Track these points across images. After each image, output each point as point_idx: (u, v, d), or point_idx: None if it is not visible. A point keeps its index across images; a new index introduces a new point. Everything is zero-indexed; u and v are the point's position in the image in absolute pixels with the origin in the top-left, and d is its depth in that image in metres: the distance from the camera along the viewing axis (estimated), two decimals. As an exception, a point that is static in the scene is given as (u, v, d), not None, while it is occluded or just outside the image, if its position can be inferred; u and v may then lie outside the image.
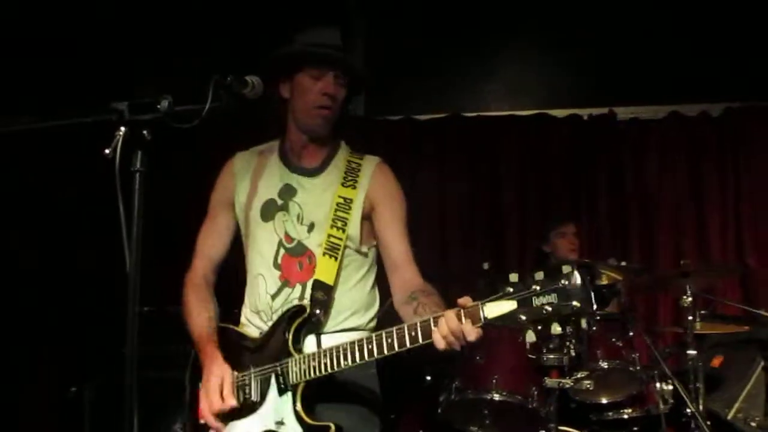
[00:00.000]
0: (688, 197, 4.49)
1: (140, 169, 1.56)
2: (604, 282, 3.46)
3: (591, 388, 3.15)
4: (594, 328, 3.30)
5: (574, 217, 4.34)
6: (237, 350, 2.21)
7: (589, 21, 4.51)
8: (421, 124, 4.77)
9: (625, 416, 3.45)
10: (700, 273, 3.69)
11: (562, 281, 1.63)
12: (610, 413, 3.48)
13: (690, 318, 3.34)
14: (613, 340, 3.34)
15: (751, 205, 4.42)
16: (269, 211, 2.27)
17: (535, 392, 3.13)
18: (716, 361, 3.77)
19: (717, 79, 4.45)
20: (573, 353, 3.25)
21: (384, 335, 1.88)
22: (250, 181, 2.32)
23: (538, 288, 1.65)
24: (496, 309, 1.69)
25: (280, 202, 2.26)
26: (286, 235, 2.24)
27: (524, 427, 3.21)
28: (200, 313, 2.28)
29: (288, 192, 2.26)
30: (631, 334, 3.39)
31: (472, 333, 1.72)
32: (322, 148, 2.31)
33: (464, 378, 3.21)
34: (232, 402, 2.11)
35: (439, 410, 3.31)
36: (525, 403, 3.09)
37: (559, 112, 4.65)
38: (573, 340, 3.29)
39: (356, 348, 1.94)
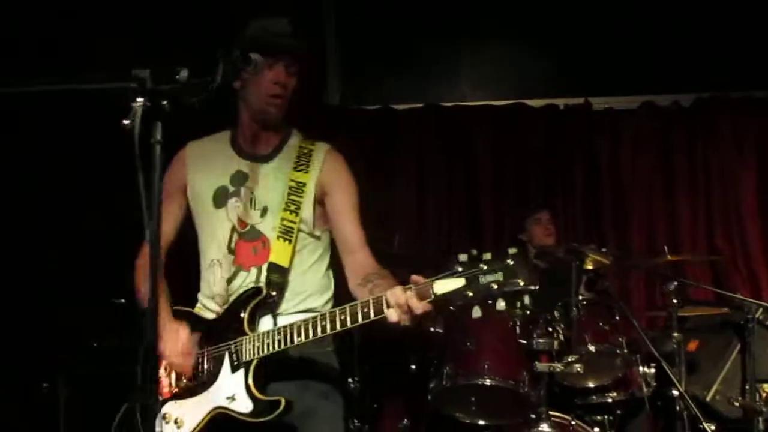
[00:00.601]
0: (661, 184, 4.57)
1: (159, 141, 1.50)
2: (590, 267, 3.51)
3: (581, 372, 3.19)
4: (582, 313, 3.35)
5: (550, 205, 4.39)
6: (190, 330, 2.22)
7: (565, 12, 4.56)
8: (397, 113, 4.75)
9: (610, 400, 3.52)
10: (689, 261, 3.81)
11: (508, 260, 1.75)
12: (595, 397, 3.54)
13: (675, 301, 3.42)
14: (601, 324, 3.40)
15: (720, 191, 4.52)
16: (221, 198, 2.28)
17: (526, 377, 3.16)
18: (692, 345, 3.86)
19: (688, 70, 4.55)
20: (562, 338, 3.29)
21: (337, 312, 1.95)
22: (201, 168, 2.33)
23: (485, 267, 1.75)
24: (445, 286, 1.78)
25: (232, 188, 2.28)
26: (239, 220, 2.26)
27: (515, 411, 3.23)
28: None
29: (240, 178, 2.28)
30: (617, 318, 3.46)
31: (419, 307, 1.79)
32: (275, 135, 2.33)
33: (455, 364, 3.21)
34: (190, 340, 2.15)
35: (429, 397, 3.31)
36: (516, 388, 3.11)
37: (536, 102, 4.68)
38: (562, 325, 3.34)
39: (309, 324, 1.99)
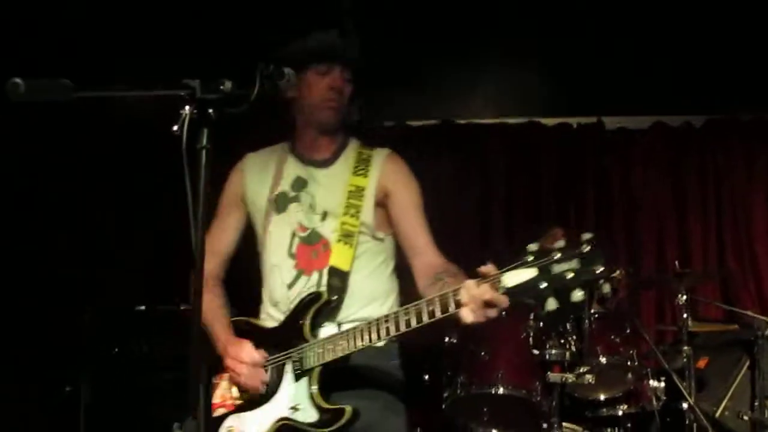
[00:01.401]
0: (672, 204, 4.64)
1: (206, 146, 1.60)
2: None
3: (592, 383, 3.26)
4: (594, 326, 3.42)
5: (562, 222, 4.47)
6: (250, 341, 2.23)
7: (578, 33, 4.65)
8: (414, 129, 4.85)
9: (620, 413, 3.55)
10: (699, 276, 3.88)
11: (584, 246, 1.61)
12: (605, 409, 3.59)
13: (684, 316, 3.49)
14: (612, 336, 3.46)
15: (731, 212, 4.59)
16: (282, 203, 2.33)
17: (539, 387, 3.22)
18: (702, 363, 3.92)
19: (699, 92, 4.62)
20: (574, 349, 3.35)
21: (401, 312, 1.91)
22: (260, 177, 2.39)
23: (559, 255, 1.62)
24: (516, 278, 1.67)
25: (292, 194, 2.33)
26: (300, 225, 2.30)
27: (527, 421, 3.28)
28: (211, 303, 2.30)
29: (300, 184, 2.34)
30: (628, 331, 3.52)
31: (488, 294, 1.69)
32: (333, 142, 2.39)
33: (469, 374, 3.27)
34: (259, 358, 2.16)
35: (443, 406, 3.37)
36: (529, 397, 3.17)
37: (549, 121, 4.78)
38: (574, 337, 3.40)
39: (373, 327, 1.96)
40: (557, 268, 1.63)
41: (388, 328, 1.93)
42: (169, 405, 3.72)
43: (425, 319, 1.84)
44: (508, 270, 1.70)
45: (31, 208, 4.15)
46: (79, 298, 4.00)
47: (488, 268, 1.74)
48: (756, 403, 3.67)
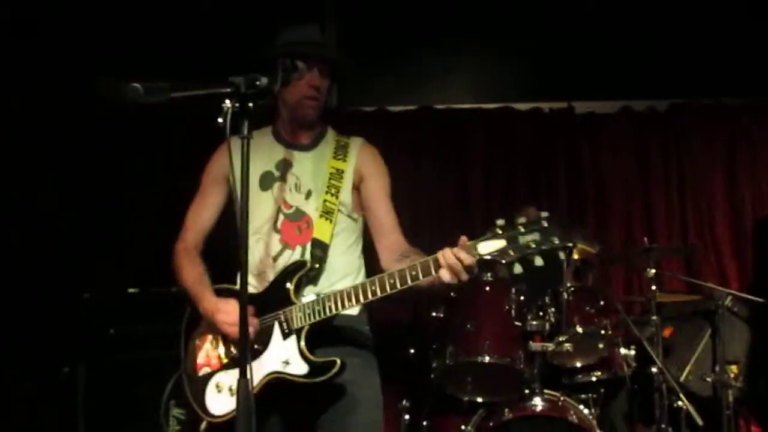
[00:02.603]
0: (638, 184, 4.86)
1: (247, 136, 1.78)
2: (577, 257, 3.83)
3: (570, 351, 3.50)
4: (570, 298, 3.66)
5: (535, 201, 4.69)
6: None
7: (550, 23, 4.87)
8: (393, 115, 5.00)
9: (594, 379, 3.77)
10: (668, 250, 4.16)
11: (543, 222, 2.00)
12: (581, 376, 3.81)
13: (653, 288, 3.75)
14: (587, 308, 3.70)
15: (692, 190, 4.83)
16: (267, 182, 2.52)
17: (521, 355, 3.46)
18: (667, 332, 4.20)
19: (663, 78, 4.86)
20: (553, 320, 3.60)
21: (386, 276, 2.16)
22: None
23: (523, 229, 2.00)
24: (488, 246, 2.03)
25: (277, 173, 2.52)
26: (285, 202, 2.49)
27: (511, 388, 3.52)
28: (194, 268, 2.51)
29: (285, 165, 2.53)
30: (601, 303, 3.77)
31: (468, 259, 2.02)
32: (313, 130, 2.60)
33: (457, 345, 3.50)
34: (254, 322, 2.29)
35: (432, 376, 3.59)
36: (513, 365, 3.41)
37: (523, 106, 4.96)
38: (552, 309, 3.64)
39: (359, 289, 2.20)
40: (522, 239, 2.01)
41: (374, 290, 2.17)
42: (164, 383, 3.88)
43: (409, 281, 2.12)
44: (481, 240, 2.06)
45: (30, 193, 4.23)
46: (75, 282, 4.11)
47: (464, 239, 2.08)
48: (717, 367, 3.98)
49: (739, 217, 4.78)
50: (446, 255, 2.06)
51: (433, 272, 2.09)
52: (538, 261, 2.02)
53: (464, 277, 2.07)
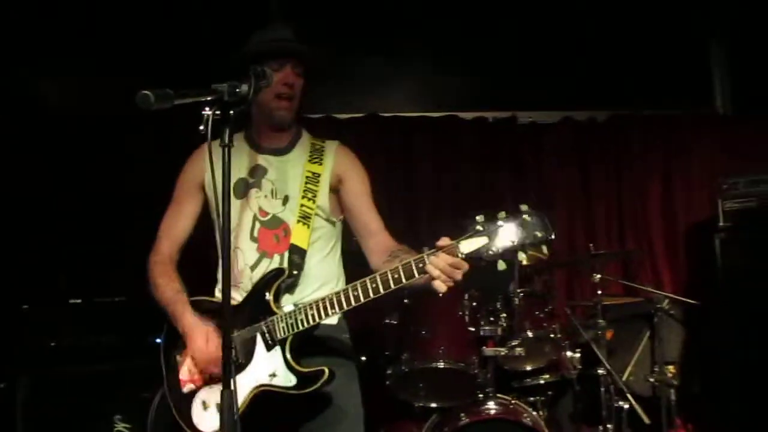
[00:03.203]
0: (579, 192, 5.04)
1: (228, 144, 1.76)
2: (529, 262, 3.91)
3: (522, 355, 3.59)
4: (521, 303, 3.74)
5: (480, 210, 4.78)
6: (215, 318, 2.33)
7: (495, 35, 4.99)
8: (340, 122, 5.01)
9: (542, 381, 3.89)
10: (613, 256, 4.31)
11: (524, 216, 1.97)
12: (529, 380, 3.91)
13: (599, 293, 3.88)
14: (537, 313, 3.79)
15: (630, 198, 5.04)
16: (241, 189, 2.44)
17: (475, 360, 3.52)
18: (608, 334, 4.34)
19: (603, 90, 5.07)
20: (505, 325, 3.67)
21: (368, 281, 2.08)
22: (218, 165, 2.43)
23: (503, 224, 1.97)
24: (470, 245, 1.97)
25: (251, 180, 2.44)
26: (261, 209, 2.42)
27: (465, 392, 3.56)
28: (168, 284, 2.42)
29: (259, 171, 2.45)
30: (550, 307, 3.88)
31: (452, 261, 1.96)
32: (288, 133, 2.52)
33: (412, 351, 3.53)
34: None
35: (387, 383, 3.60)
36: (468, 370, 3.45)
37: (467, 115, 5.06)
38: (504, 314, 3.71)
39: (342, 295, 2.12)
40: (504, 235, 1.96)
41: (356, 296, 2.10)
42: (108, 397, 3.76)
43: (392, 285, 2.04)
44: (463, 239, 1.99)
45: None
46: (14, 293, 3.94)
47: (445, 240, 2.01)
48: (656, 368, 4.14)
49: (673, 224, 5.00)
50: (432, 260, 1.99)
51: (416, 274, 2.01)
52: (501, 265, 1.98)
53: (457, 278, 2.01)
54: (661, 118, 5.13)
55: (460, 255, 1.97)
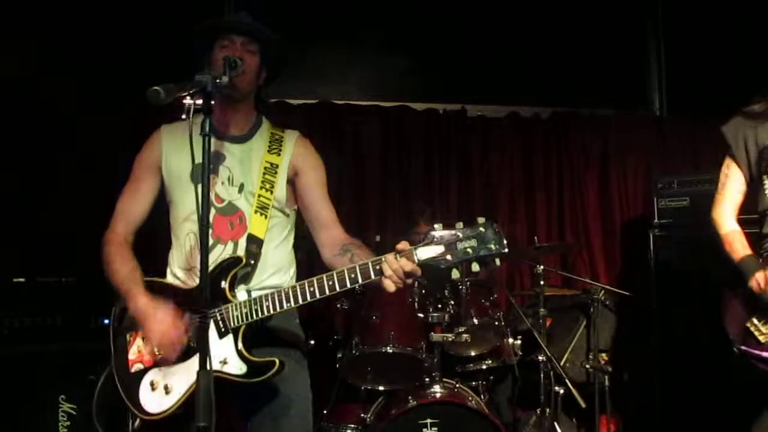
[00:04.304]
0: (522, 185, 5.21)
1: (208, 134, 1.81)
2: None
3: (468, 341, 3.72)
4: (468, 292, 3.88)
5: (428, 198, 4.93)
6: (169, 301, 2.34)
7: (447, 32, 5.13)
8: (294, 107, 5.02)
9: (484, 366, 4.03)
10: (556, 248, 4.48)
11: (480, 228, 2.03)
12: (472, 365, 4.05)
13: (542, 283, 4.05)
14: (483, 301, 3.94)
15: (570, 193, 5.24)
16: (198, 174, 2.33)
17: (423, 346, 3.64)
18: (548, 323, 4.54)
19: (547, 88, 5.27)
20: (452, 312, 3.80)
21: (325, 278, 2.13)
22: (177, 148, 2.46)
23: (461, 235, 2.03)
24: (427, 252, 2.04)
25: (209, 166, 2.41)
26: (217, 196, 2.43)
27: (412, 376, 3.68)
28: (123, 264, 2.42)
29: (217, 157, 2.44)
30: (495, 296, 4.03)
31: (408, 266, 2.05)
32: (247, 120, 2.54)
33: (362, 335, 3.62)
34: (179, 326, 2.27)
35: (338, 366, 3.69)
36: (416, 355, 3.56)
37: (419, 106, 5.16)
38: (452, 302, 3.84)
39: (298, 290, 2.16)
40: (460, 245, 2.03)
41: (312, 292, 2.15)
42: (53, 378, 3.72)
43: (348, 284, 2.11)
44: (420, 246, 2.06)
45: None
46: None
47: (404, 245, 2.08)
48: (591, 355, 4.36)
49: (610, 219, 5.24)
50: (389, 262, 2.07)
51: (373, 275, 2.09)
52: (475, 267, 2.07)
53: (408, 282, 2.10)
54: (600, 117, 5.35)
55: (416, 260, 2.06)
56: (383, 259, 2.08)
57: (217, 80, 1.85)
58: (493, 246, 2.03)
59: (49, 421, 3.67)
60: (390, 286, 2.09)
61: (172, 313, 2.29)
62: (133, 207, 2.51)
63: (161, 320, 2.26)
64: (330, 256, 2.43)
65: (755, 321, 2.74)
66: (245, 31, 2.42)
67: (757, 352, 2.69)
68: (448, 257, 2.04)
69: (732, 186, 2.96)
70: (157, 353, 2.33)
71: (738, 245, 2.86)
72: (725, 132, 2.97)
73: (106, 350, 2.47)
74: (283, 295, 2.19)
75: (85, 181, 4.29)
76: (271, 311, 2.22)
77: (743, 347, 2.73)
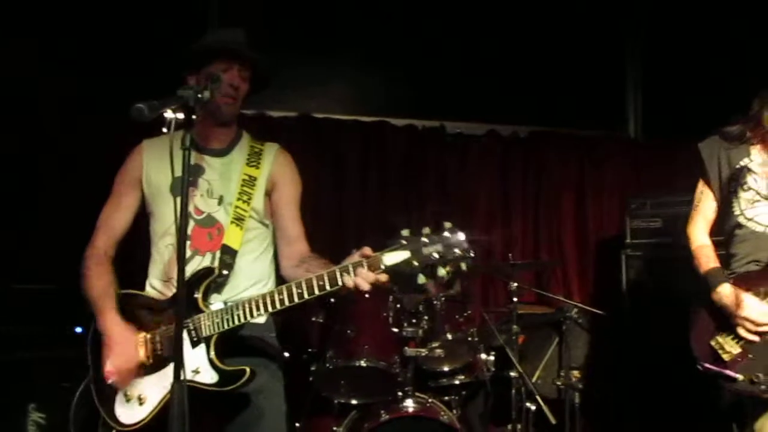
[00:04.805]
0: (500, 202, 5.26)
1: (188, 147, 1.83)
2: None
3: (442, 356, 3.75)
4: (442, 307, 3.90)
5: (405, 213, 4.97)
6: (145, 312, 2.41)
7: (429, 50, 5.19)
8: (273, 120, 5.04)
9: (457, 382, 4.02)
10: (533, 265, 4.54)
11: (446, 233, 2.04)
12: (445, 380, 4.06)
13: (516, 300, 4.10)
14: (456, 316, 3.97)
15: (546, 210, 5.30)
16: (178, 187, 2.41)
17: (397, 360, 3.66)
18: (520, 340, 4.59)
19: (526, 107, 5.34)
20: (426, 327, 3.82)
21: (293, 285, 2.17)
22: (158, 161, 2.52)
23: (426, 240, 2.04)
24: (393, 258, 2.06)
25: (189, 179, 2.44)
26: (196, 208, 2.47)
27: (386, 390, 3.69)
28: (100, 278, 2.46)
29: (197, 170, 2.50)
30: (468, 312, 4.06)
31: (375, 272, 2.08)
32: (227, 134, 2.59)
33: (337, 349, 3.63)
34: (139, 357, 2.33)
35: (311, 379, 3.70)
36: (389, 369, 3.57)
37: (398, 121, 5.21)
38: (426, 317, 3.87)
39: (267, 298, 2.20)
40: (425, 251, 2.05)
41: (281, 299, 2.18)
42: (24, 385, 3.69)
43: (316, 291, 2.14)
44: (386, 252, 2.08)
45: None
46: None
47: (368, 251, 2.13)
48: (562, 372, 4.40)
49: (584, 238, 5.31)
50: (356, 269, 2.10)
51: (340, 282, 2.11)
52: (441, 272, 2.07)
53: (370, 288, 2.11)
54: (577, 137, 5.44)
55: (382, 266, 2.08)
56: (350, 266, 2.11)
57: (199, 95, 1.87)
58: (458, 251, 2.03)
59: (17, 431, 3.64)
60: (349, 281, 2.11)
61: (132, 345, 2.32)
62: (114, 221, 2.54)
63: (119, 353, 2.31)
64: (287, 267, 2.51)
65: (719, 339, 2.80)
66: (245, 58, 2.48)
67: (718, 369, 2.74)
68: (414, 262, 2.05)
69: (705, 204, 3.04)
70: (142, 356, 2.36)
71: (704, 259, 2.93)
72: (701, 149, 3.05)
73: (81, 358, 2.49)
74: (253, 303, 2.22)
75: (71, 185, 4.27)
76: (242, 320, 2.24)
77: (706, 365, 2.78)
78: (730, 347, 2.76)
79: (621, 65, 5.65)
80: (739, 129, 2.97)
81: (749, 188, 2.89)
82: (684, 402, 4.11)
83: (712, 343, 2.80)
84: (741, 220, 2.92)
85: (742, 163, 2.94)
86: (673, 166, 5.30)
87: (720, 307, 2.80)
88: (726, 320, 2.79)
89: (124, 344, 2.32)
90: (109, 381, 2.33)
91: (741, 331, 2.75)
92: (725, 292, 2.80)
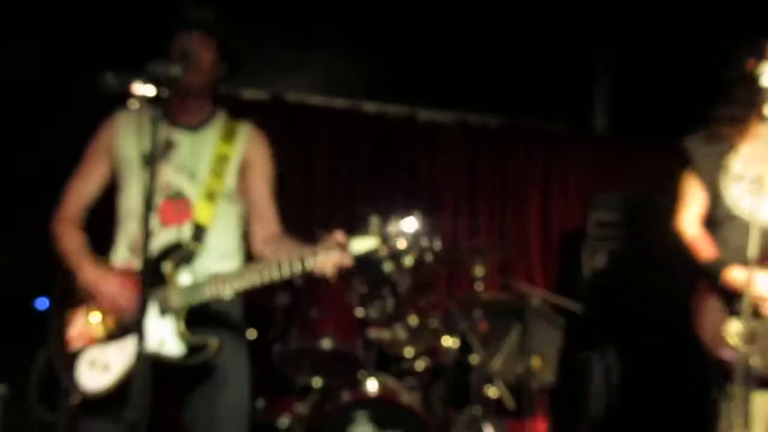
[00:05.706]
0: (467, 192, 5.31)
1: (157, 121, 1.86)
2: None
3: (404, 340, 3.81)
4: (407, 291, 3.96)
5: (374, 200, 5.00)
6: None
7: (401, 35, 5.20)
8: (245, 102, 5.02)
9: (419, 366, 4.05)
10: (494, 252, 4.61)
11: (413, 223, 2.13)
12: (407, 363, 4.11)
13: (479, 287, 4.16)
14: (420, 302, 4.01)
15: (513, 202, 5.38)
16: (148, 161, 2.49)
17: (360, 342, 3.70)
18: (483, 326, 4.67)
19: (497, 98, 5.38)
20: (390, 310, 3.87)
21: (263, 266, 2.24)
22: (130, 133, 2.53)
23: (394, 229, 2.13)
24: (361, 245, 2.15)
25: (160, 153, 2.44)
26: (166, 183, 2.48)
27: (348, 372, 3.71)
28: (73, 237, 2.48)
29: (168, 144, 2.50)
30: (432, 297, 4.11)
31: (342, 257, 2.16)
32: (202, 109, 2.59)
33: (301, 330, 3.66)
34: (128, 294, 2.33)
35: (275, 359, 3.73)
36: (352, 351, 3.62)
37: (370, 107, 5.22)
38: (390, 301, 3.92)
39: (236, 276, 2.26)
40: (393, 239, 2.13)
41: (251, 278, 2.24)
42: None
43: (285, 272, 2.20)
44: (354, 238, 2.16)
45: None
46: None
47: (339, 235, 2.18)
48: (523, 360, 4.50)
49: (548, 230, 5.40)
50: (324, 253, 2.17)
51: (308, 265, 2.17)
52: (407, 260, 2.16)
53: (335, 271, 2.18)
54: (544, 131, 5.50)
55: (350, 252, 2.15)
56: (318, 250, 2.17)
57: (168, 70, 1.89)
58: (426, 241, 2.11)
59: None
60: (320, 265, 2.17)
61: (121, 277, 2.35)
62: (82, 190, 2.55)
63: (111, 282, 2.33)
64: (260, 247, 2.54)
65: (729, 326, 2.69)
66: (202, 26, 2.48)
67: (735, 356, 2.55)
68: (382, 250, 2.12)
69: (693, 198, 2.97)
70: (96, 329, 2.35)
71: (704, 247, 2.87)
72: (688, 146, 2.99)
73: (42, 330, 2.47)
74: (222, 280, 2.26)
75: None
76: (210, 296, 2.27)
77: (723, 354, 2.67)
78: (739, 333, 2.56)
79: (590, 61, 5.72)
80: (728, 131, 2.88)
81: (739, 177, 2.84)
82: (641, 389, 4.22)
83: (724, 332, 2.69)
84: (731, 209, 2.86)
85: (730, 154, 2.89)
86: (637, 163, 5.43)
87: (731, 292, 2.71)
88: (735, 305, 2.66)
89: (111, 278, 2.34)
90: (126, 318, 2.33)
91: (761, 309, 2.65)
92: (736, 273, 2.73)
